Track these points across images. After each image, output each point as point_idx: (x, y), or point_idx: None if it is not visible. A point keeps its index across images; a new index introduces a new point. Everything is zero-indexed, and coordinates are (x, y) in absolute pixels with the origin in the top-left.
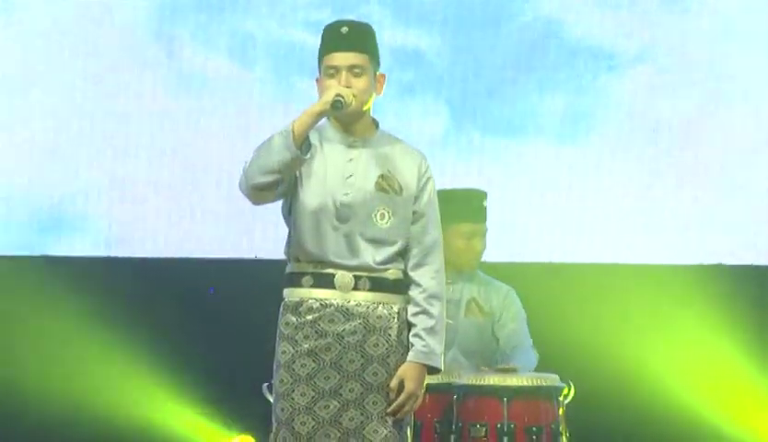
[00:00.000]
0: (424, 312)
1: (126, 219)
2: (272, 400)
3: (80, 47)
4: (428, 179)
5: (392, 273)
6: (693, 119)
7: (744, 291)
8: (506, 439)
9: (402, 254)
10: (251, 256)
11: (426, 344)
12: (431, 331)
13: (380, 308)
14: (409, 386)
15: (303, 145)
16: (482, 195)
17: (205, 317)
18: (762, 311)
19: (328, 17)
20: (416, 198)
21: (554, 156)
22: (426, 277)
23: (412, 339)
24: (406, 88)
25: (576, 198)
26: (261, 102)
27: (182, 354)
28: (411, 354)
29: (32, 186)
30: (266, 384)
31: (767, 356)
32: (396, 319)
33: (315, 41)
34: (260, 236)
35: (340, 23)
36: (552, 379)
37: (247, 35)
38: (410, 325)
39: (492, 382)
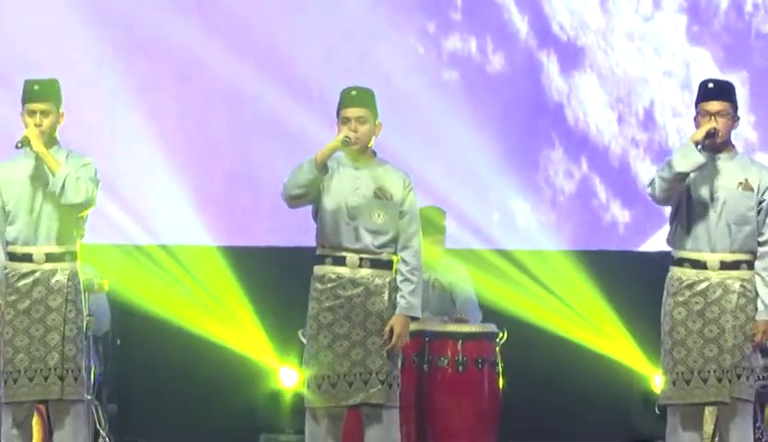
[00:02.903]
0: (408, 280)
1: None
2: (304, 341)
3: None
4: (410, 189)
5: (385, 255)
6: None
7: (617, 270)
8: (461, 368)
9: (394, 241)
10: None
11: (408, 302)
12: (412, 292)
13: (377, 279)
14: (397, 330)
15: (322, 169)
16: (442, 215)
17: (262, 291)
18: (630, 282)
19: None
20: (401, 202)
21: None
22: (410, 256)
23: (399, 299)
24: None
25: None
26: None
27: (254, 312)
28: (398, 309)
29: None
30: (300, 330)
31: (635, 315)
32: (387, 287)
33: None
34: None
35: (351, 88)
36: (491, 327)
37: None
38: (397, 289)
39: (451, 329)
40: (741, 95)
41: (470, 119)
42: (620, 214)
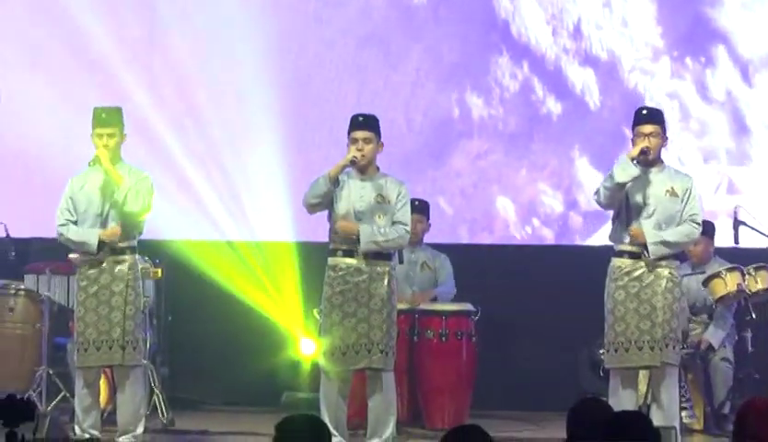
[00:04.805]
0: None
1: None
2: (318, 318)
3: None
4: (404, 196)
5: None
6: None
7: (568, 261)
8: (444, 338)
9: None
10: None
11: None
12: (377, 227)
13: (378, 268)
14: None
15: (335, 182)
16: (426, 205)
17: (287, 277)
18: (578, 272)
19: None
20: (396, 204)
21: None
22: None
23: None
24: None
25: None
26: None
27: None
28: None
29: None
30: (316, 309)
31: (583, 297)
32: (387, 275)
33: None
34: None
35: (358, 114)
36: (468, 306)
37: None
38: (394, 276)
39: (436, 308)
40: (651, 11)
41: (434, 34)
42: (553, 106)
